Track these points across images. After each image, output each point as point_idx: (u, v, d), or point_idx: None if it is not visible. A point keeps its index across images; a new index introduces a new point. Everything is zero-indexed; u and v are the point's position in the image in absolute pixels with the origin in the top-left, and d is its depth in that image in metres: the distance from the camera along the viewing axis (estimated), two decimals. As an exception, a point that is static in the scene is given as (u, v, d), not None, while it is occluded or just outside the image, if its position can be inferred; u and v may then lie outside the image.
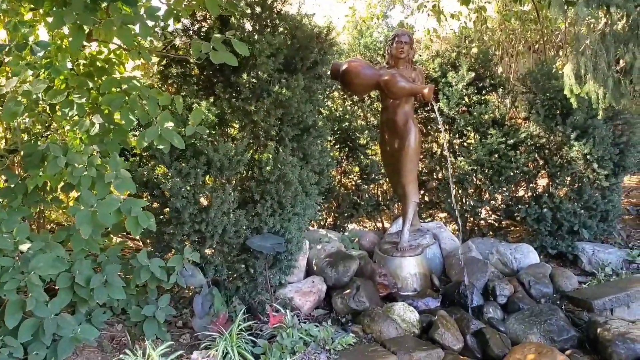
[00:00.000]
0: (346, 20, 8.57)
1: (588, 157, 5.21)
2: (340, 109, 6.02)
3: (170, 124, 3.29)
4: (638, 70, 4.41)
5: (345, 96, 6.07)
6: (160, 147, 3.18)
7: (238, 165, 3.66)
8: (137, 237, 4.19)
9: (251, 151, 3.92)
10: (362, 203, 6.08)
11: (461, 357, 3.78)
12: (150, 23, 3.24)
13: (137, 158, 3.92)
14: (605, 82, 4.50)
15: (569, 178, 5.52)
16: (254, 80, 3.82)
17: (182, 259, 3.54)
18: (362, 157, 6.03)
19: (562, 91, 4.97)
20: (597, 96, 4.57)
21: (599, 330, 3.96)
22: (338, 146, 5.97)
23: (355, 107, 6.04)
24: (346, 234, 5.71)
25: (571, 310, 4.52)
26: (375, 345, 3.70)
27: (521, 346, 3.86)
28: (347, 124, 5.84)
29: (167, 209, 3.68)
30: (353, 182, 6.18)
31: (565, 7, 4.96)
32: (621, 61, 4.80)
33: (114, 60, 3.82)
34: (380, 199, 6.35)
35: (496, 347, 3.93)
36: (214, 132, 3.86)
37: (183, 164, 3.54)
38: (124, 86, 3.38)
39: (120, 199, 3.16)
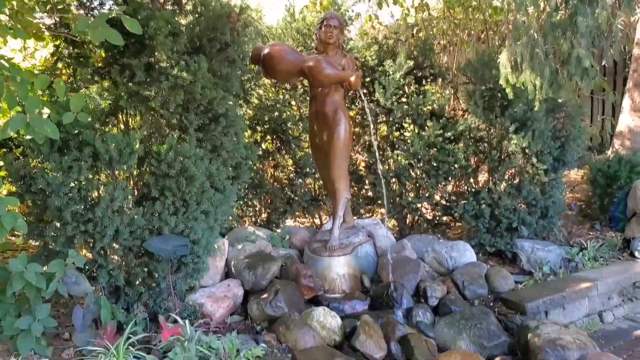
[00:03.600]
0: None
1: (527, 150, 4.97)
2: (272, 97, 5.64)
3: (45, 111, 2.87)
4: (575, 60, 4.18)
5: (277, 84, 5.69)
6: (27, 137, 2.76)
7: (130, 158, 3.25)
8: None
9: (149, 142, 3.51)
10: (297, 198, 5.73)
11: (380, 368, 3.47)
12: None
13: (20, 150, 3.45)
14: (542, 71, 4.26)
15: (508, 173, 5.27)
16: (152, 62, 3.41)
17: (63, 265, 3.11)
18: (295, 149, 5.67)
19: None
20: (534, 86, 4.33)
21: (529, 335, 3.72)
22: (269, 138, 5.60)
23: (288, 96, 5.67)
24: (278, 231, 5.35)
25: (504, 313, 4.27)
26: (285, 357, 3.35)
27: (446, 354, 3.61)
28: (277, 114, 5.47)
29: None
30: (286, 176, 5.81)
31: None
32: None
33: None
34: (316, 193, 6.01)
35: (421, 355, 3.64)
36: (107, 120, 3.44)
37: (65, 157, 3.10)
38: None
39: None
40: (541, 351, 3.56)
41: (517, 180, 5.24)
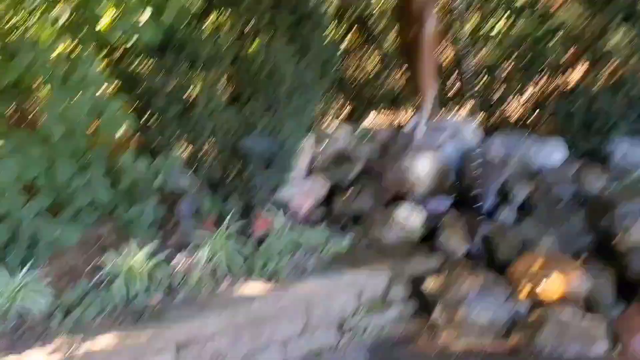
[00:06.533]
0: None
1: (631, 43, 4.62)
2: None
3: (146, 11, 2.99)
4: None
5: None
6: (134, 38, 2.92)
7: (225, 59, 3.36)
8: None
9: (241, 43, 3.59)
10: (380, 95, 5.70)
11: (462, 263, 3.59)
12: None
13: (120, 53, 3.64)
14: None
15: (608, 69, 4.95)
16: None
17: (168, 160, 3.38)
18: (381, 45, 5.57)
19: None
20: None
21: (617, 237, 3.67)
22: (353, 32, 5.52)
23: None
24: (359, 129, 5.40)
25: (592, 213, 4.20)
26: (370, 250, 3.54)
27: (530, 253, 3.64)
28: (363, 7, 5.34)
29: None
30: (370, 73, 5.77)
31: None
32: None
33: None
34: (399, 90, 5.92)
35: (504, 252, 3.71)
36: (199, 23, 3.52)
37: (164, 60, 3.26)
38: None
39: (94, 98, 2.96)
40: (629, 253, 3.54)
41: (617, 76, 4.92)
